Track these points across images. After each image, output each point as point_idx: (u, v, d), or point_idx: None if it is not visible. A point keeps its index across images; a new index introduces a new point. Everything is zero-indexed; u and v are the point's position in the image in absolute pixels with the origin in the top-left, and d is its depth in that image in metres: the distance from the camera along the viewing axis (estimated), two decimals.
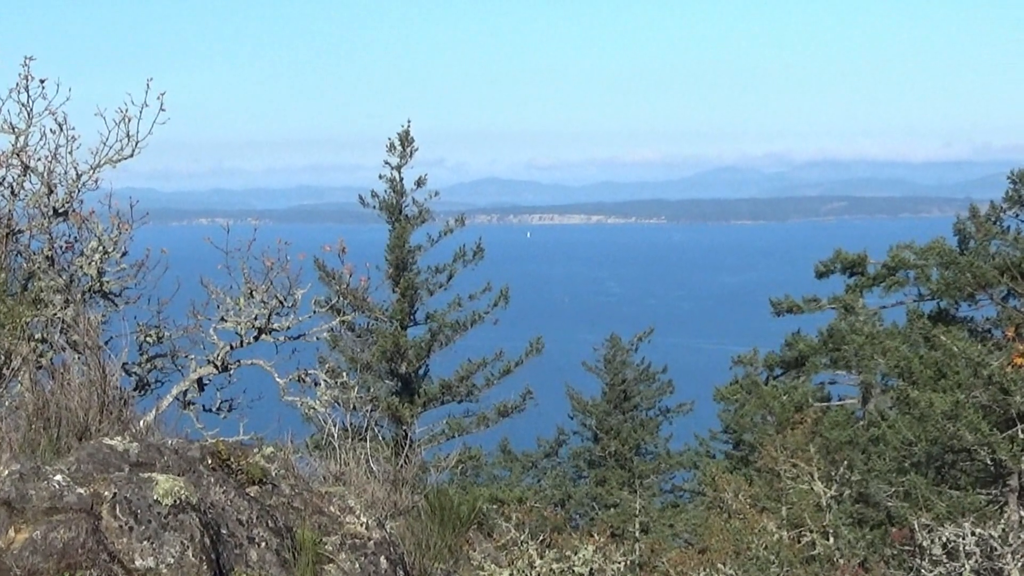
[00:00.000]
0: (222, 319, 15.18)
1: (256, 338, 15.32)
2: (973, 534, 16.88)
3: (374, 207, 39.96)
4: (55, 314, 14.11)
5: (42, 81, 14.97)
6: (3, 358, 12.69)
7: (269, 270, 15.05)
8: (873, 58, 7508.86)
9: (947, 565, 16.78)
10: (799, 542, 28.03)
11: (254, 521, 10.70)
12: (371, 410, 17.75)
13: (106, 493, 9.79)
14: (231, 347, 15.21)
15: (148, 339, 15.46)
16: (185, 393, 15.07)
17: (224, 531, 10.35)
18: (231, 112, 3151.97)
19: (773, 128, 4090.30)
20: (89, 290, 14.92)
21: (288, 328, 15.47)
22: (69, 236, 15.14)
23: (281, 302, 15.20)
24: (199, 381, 15.23)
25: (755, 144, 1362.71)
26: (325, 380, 15.52)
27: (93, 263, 14.89)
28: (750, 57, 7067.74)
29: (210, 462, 10.99)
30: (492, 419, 40.86)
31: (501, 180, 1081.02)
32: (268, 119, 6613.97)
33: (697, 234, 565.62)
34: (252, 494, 11.05)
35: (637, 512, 43.56)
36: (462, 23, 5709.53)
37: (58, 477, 9.79)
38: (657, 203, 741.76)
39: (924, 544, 17.08)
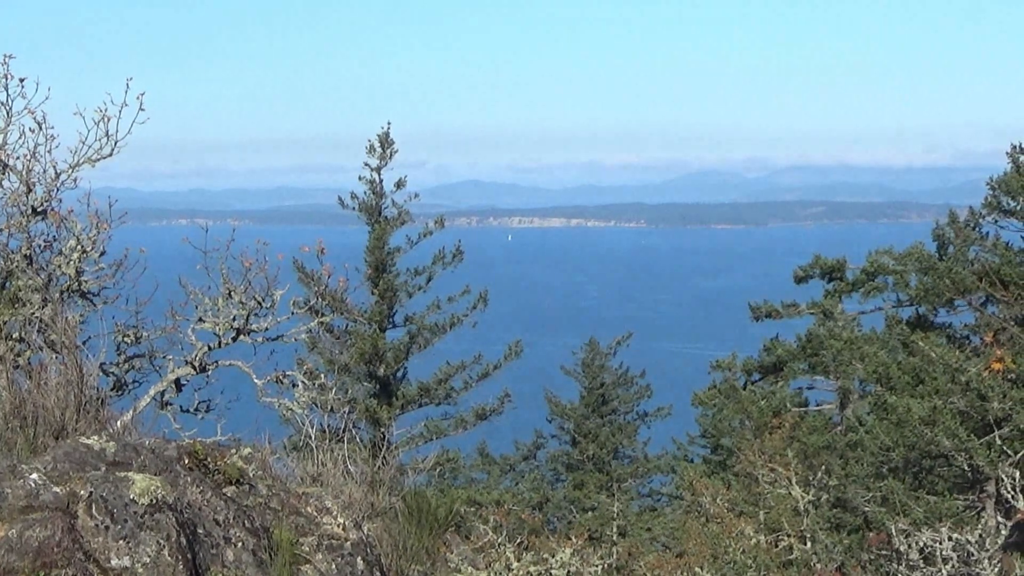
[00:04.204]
0: (200, 320, 15.17)
1: (234, 339, 15.31)
2: (950, 539, 16.92)
3: (354, 209, 39.92)
4: (33, 313, 14.07)
5: (21, 80, 14.93)
6: None
7: (248, 271, 15.04)
8: (856, 63, 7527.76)
9: (924, 570, 16.83)
10: (776, 546, 28.07)
11: (231, 521, 10.69)
12: (349, 412, 17.73)
13: (82, 492, 9.77)
14: (209, 348, 15.20)
15: (126, 339, 15.43)
16: (163, 394, 15.04)
17: (200, 531, 10.33)
18: (213, 113, 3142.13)
19: (754, 133, 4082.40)
20: (67, 289, 14.89)
21: (266, 329, 15.46)
22: (47, 235, 15.11)
23: (259, 303, 15.19)
24: (177, 382, 15.21)
25: (736, 148, 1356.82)
26: (303, 382, 15.51)
27: (71, 262, 14.86)
28: (732, 61, 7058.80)
29: (187, 462, 10.97)
30: (470, 422, 40.86)
31: (482, 183, 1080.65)
32: (250, 120, 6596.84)
33: (677, 238, 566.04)
34: (229, 494, 11.04)
35: (615, 516, 43.53)
36: (444, 26, 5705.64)
37: (34, 476, 9.77)
38: (637, 206, 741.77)
39: (901, 549, 17.13)
